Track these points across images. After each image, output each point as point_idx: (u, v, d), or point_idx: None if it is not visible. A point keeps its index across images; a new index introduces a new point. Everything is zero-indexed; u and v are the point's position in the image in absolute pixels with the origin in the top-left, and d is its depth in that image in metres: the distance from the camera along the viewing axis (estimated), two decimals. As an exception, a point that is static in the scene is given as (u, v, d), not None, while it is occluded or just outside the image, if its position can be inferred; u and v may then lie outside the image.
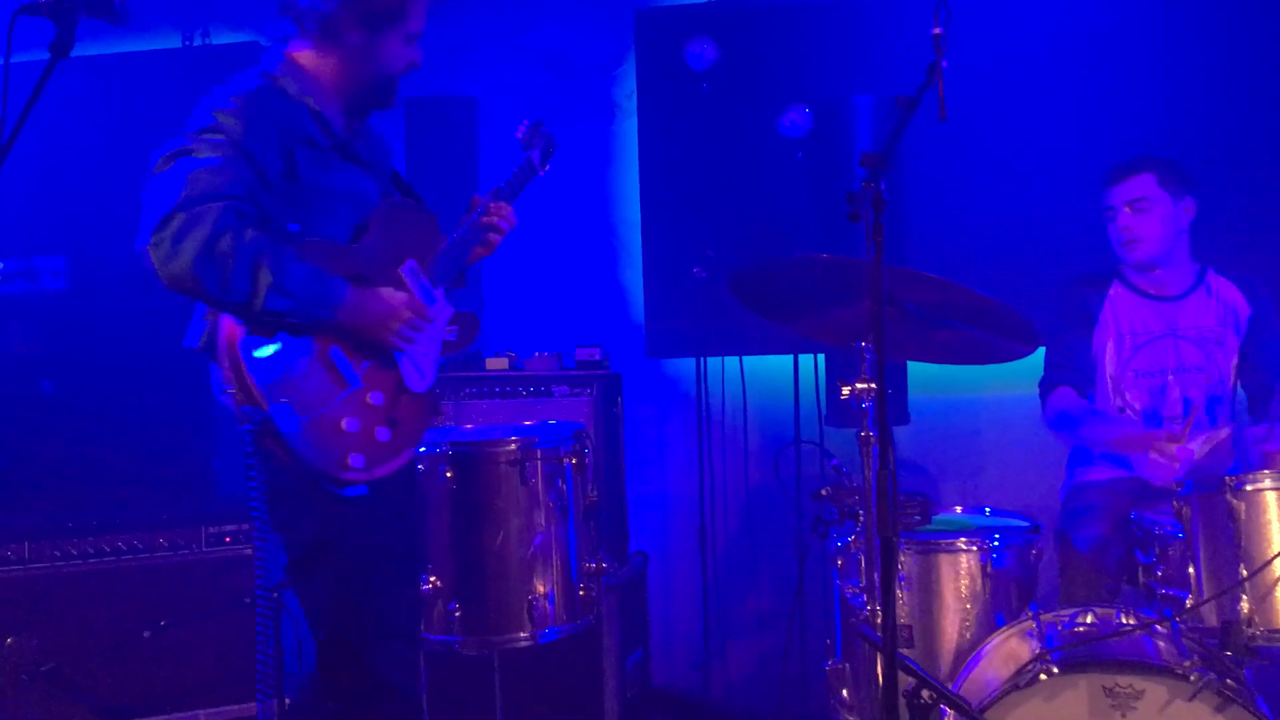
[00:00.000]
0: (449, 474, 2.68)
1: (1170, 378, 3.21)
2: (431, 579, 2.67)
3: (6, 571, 3.35)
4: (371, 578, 2.24)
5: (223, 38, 4.68)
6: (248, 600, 3.42)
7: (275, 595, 2.97)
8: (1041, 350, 2.89)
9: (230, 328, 2.07)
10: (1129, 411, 3.23)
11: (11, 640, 3.31)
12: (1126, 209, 3.21)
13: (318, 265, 2.13)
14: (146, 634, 3.33)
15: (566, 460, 2.77)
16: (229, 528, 3.52)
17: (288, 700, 3.16)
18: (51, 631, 3.31)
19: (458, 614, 2.66)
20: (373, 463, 2.15)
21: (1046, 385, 3.31)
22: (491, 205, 2.48)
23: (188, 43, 4.66)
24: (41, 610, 3.33)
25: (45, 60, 2.02)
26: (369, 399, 2.18)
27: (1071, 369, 3.27)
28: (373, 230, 2.27)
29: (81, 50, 2.15)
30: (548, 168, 2.67)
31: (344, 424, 2.13)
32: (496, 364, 3.76)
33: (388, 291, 2.22)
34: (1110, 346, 3.26)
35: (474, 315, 2.41)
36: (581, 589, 2.77)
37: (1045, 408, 3.31)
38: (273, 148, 2.14)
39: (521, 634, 2.68)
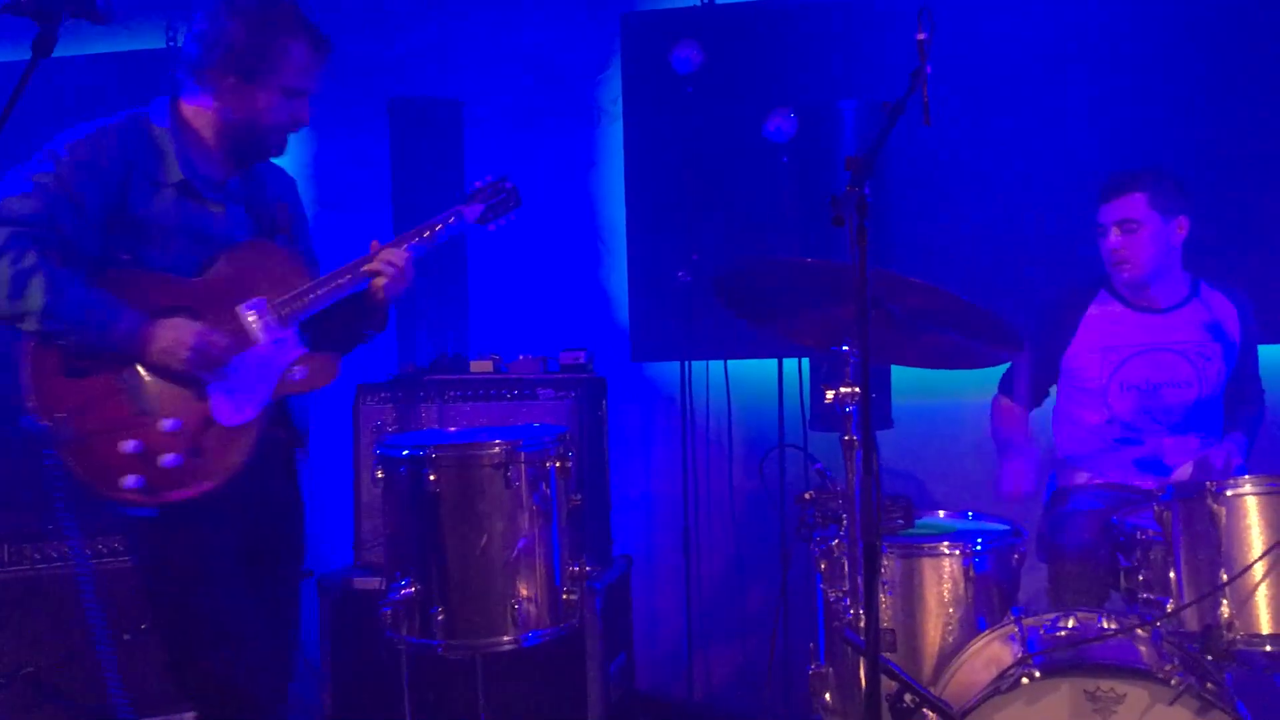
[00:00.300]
0: (432, 477, 2.66)
1: (1158, 389, 3.22)
2: (414, 583, 2.66)
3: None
4: (194, 587, 2.33)
5: (207, 38, 4.66)
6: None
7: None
8: None
9: (28, 340, 2.24)
10: (1115, 424, 3.24)
11: (-10, 644, 3.29)
12: (1115, 229, 3.20)
13: (111, 293, 2.24)
14: (127, 636, 3.30)
15: (550, 463, 2.76)
16: (211, 530, 3.49)
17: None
18: (31, 635, 3.29)
19: (440, 617, 2.64)
20: (157, 486, 2.24)
21: (1001, 388, 3.44)
22: (381, 251, 2.49)
23: (171, 43, 4.64)
24: (21, 613, 3.30)
25: (27, 60, 2.02)
26: (162, 425, 2.27)
27: (1020, 382, 3.36)
28: (219, 267, 2.36)
29: (64, 50, 2.15)
30: (493, 227, 2.66)
31: (124, 445, 2.24)
32: (481, 366, 3.75)
33: (178, 323, 2.27)
34: (1096, 358, 3.27)
35: (333, 359, 2.41)
36: (565, 592, 2.76)
37: (992, 407, 3.44)
38: (98, 183, 2.27)
39: (505, 637, 2.67)
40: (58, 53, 2.07)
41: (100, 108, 2.49)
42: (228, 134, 2.39)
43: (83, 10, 2.09)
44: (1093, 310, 3.31)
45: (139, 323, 2.25)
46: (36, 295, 2.18)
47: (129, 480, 2.24)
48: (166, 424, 2.28)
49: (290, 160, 4.76)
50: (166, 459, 2.26)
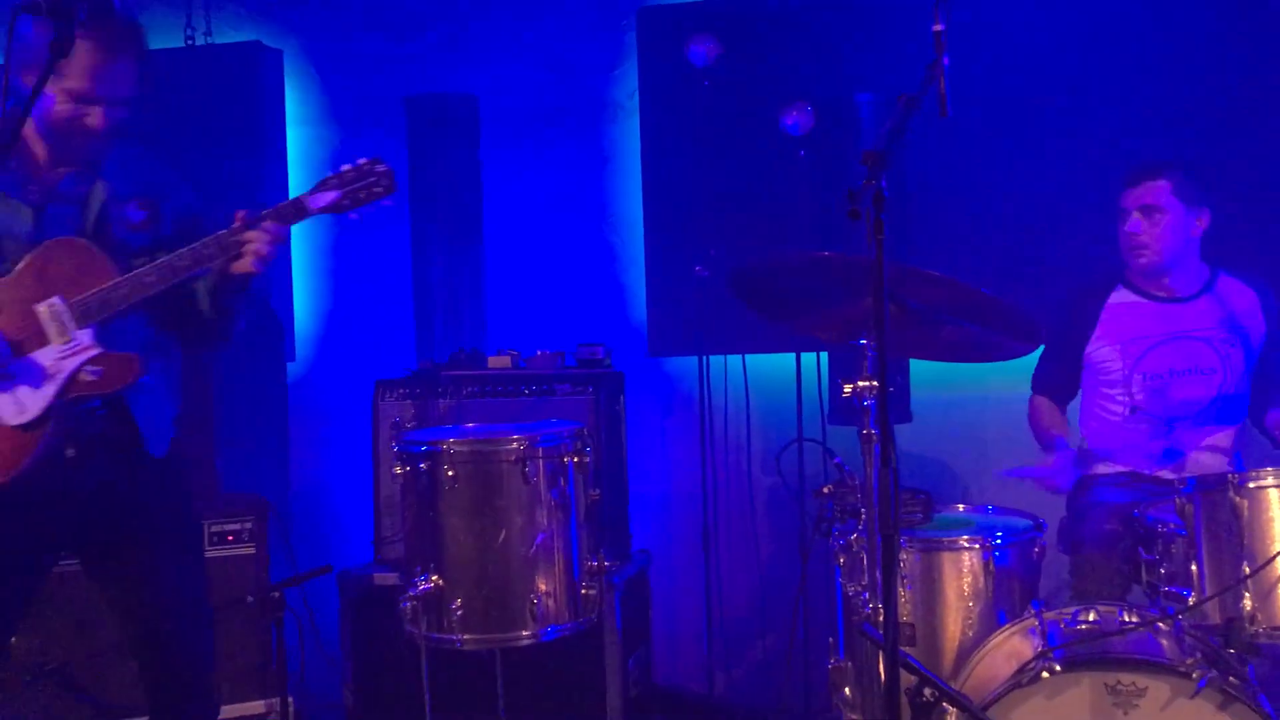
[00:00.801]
0: (450, 472, 2.68)
1: (1180, 378, 3.20)
2: (433, 577, 2.67)
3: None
4: None
5: (225, 36, 4.69)
6: (250, 599, 3.42)
7: (279, 595, 2.99)
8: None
9: None
10: (1140, 412, 3.22)
11: (15, 639, 3.31)
12: (1137, 214, 3.19)
13: None
14: None
15: (569, 459, 2.77)
16: (231, 526, 3.51)
17: (291, 699, 3.16)
18: (54, 631, 3.30)
19: (459, 612, 2.65)
20: None
21: (1033, 387, 3.44)
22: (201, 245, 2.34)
23: (189, 41, 4.66)
24: (44, 609, 3.32)
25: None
26: None
27: (1051, 377, 3.37)
28: (26, 265, 2.31)
29: (82, 49, 2.16)
30: (354, 215, 2.44)
31: None
32: (498, 362, 3.76)
33: None
34: (1117, 350, 3.25)
35: (131, 358, 2.32)
36: (584, 587, 2.76)
37: (1029, 407, 3.43)
38: None
39: (524, 632, 2.68)
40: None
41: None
42: (42, 135, 2.34)
43: (99, 11, 2.10)
44: (1111, 302, 3.29)
45: None
46: None
47: None
48: None
49: (308, 157, 4.83)
50: None
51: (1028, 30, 4.01)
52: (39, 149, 2.36)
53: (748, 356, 4.21)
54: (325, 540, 4.22)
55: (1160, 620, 2.42)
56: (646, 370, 4.42)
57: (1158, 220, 3.16)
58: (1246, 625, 2.34)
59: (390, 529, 3.60)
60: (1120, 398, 3.25)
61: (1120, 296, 3.30)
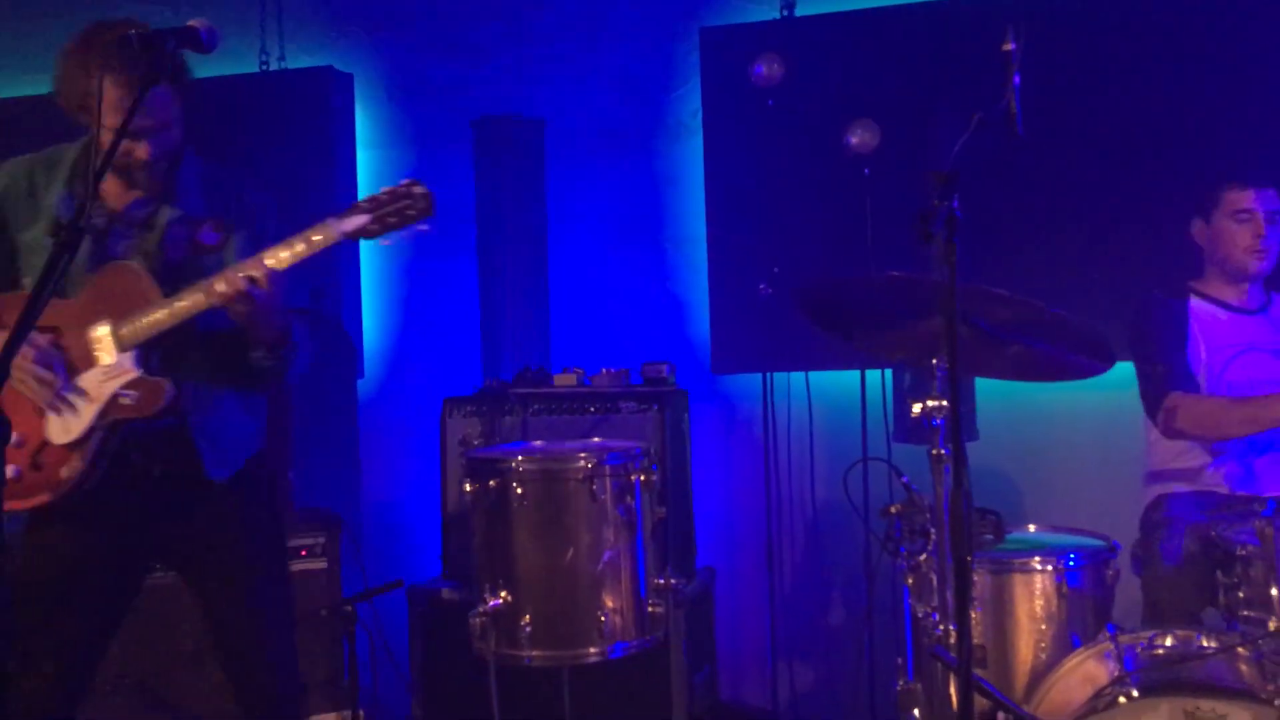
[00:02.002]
0: (519, 490, 2.71)
1: (1258, 389, 3.12)
2: (502, 594, 2.70)
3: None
4: (20, 605, 2.33)
5: (298, 61, 4.81)
6: (323, 612, 3.48)
7: (351, 609, 3.04)
8: (1119, 366, 2.80)
9: None
10: None
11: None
12: (1263, 218, 3.13)
13: None
14: None
15: (635, 477, 2.79)
16: (304, 541, 3.57)
17: (362, 713, 3.21)
18: (133, 641, 3.35)
19: (528, 628, 2.68)
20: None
21: (1153, 399, 3.11)
22: (224, 273, 2.30)
23: (264, 66, 4.79)
24: (127, 620, 3.41)
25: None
26: (14, 438, 2.28)
27: (1178, 374, 3.10)
28: (89, 288, 2.39)
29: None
30: (386, 241, 2.45)
31: None
32: (564, 380, 3.79)
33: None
34: (1202, 360, 3.17)
35: (159, 385, 2.35)
36: (650, 605, 2.78)
37: (1161, 421, 3.09)
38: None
39: (591, 649, 2.70)
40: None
41: (200, 131, 2.57)
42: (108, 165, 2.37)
43: (187, 41, 2.17)
44: (1194, 308, 3.22)
45: None
46: None
47: None
48: (16, 437, 2.32)
49: (379, 178, 4.92)
50: (8, 470, 2.26)
51: (1095, 36, 3.97)
52: (109, 180, 2.42)
53: (811, 374, 4.20)
54: (395, 555, 4.28)
55: (1240, 645, 2.37)
56: (710, 388, 4.43)
57: (1278, 224, 3.14)
58: (1330, 651, 2.28)
59: (459, 545, 3.64)
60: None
61: (1198, 304, 3.24)
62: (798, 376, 4.22)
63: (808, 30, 4.26)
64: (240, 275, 2.27)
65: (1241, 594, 2.57)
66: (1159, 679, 2.28)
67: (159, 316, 2.33)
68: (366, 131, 4.81)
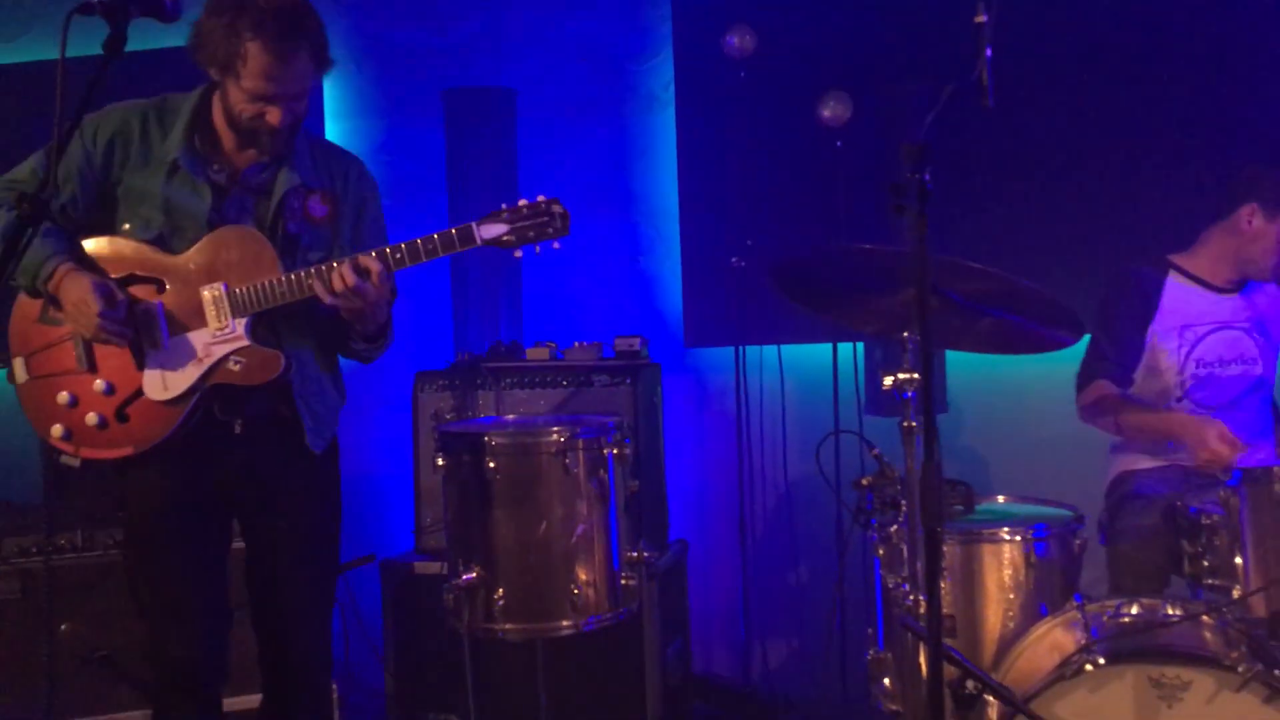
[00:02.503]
0: (491, 464, 2.70)
1: (1229, 369, 3.18)
2: (475, 568, 2.70)
3: (61, 559, 3.42)
4: (136, 548, 2.49)
5: (264, 31, 4.73)
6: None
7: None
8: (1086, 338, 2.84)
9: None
10: (1188, 401, 3.19)
11: (66, 626, 3.38)
12: None
13: (59, 242, 2.34)
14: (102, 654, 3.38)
15: (608, 450, 2.78)
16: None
17: (335, 686, 3.20)
18: (104, 617, 3.37)
19: (501, 602, 2.68)
20: (79, 441, 2.39)
21: (1085, 377, 3.25)
22: (342, 264, 2.33)
23: (229, 36, 4.70)
24: (95, 596, 3.39)
25: (98, 56, 2.07)
26: (96, 384, 2.39)
27: (1113, 362, 3.22)
28: (201, 247, 2.40)
29: (131, 46, 2.19)
30: (519, 253, 2.42)
31: (60, 395, 2.40)
32: (537, 354, 3.78)
33: (87, 280, 2.31)
34: (1174, 336, 3.20)
35: (274, 355, 2.37)
36: (624, 578, 2.79)
37: (1080, 399, 3.26)
38: (88, 152, 2.40)
39: (564, 622, 2.70)
40: (129, 48, 2.12)
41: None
42: (229, 126, 2.41)
43: (151, 9, 2.12)
44: (1169, 287, 3.25)
45: (57, 266, 2.32)
46: None
47: (57, 428, 2.40)
48: (99, 384, 2.39)
49: (348, 149, 4.83)
50: (89, 416, 2.38)
51: (1070, 7, 3.97)
52: (226, 137, 2.43)
53: (783, 347, 4.21)
54: (368, 530, 4.27)
55: (1205, 613, 2.41)
56: (683, 361, 4.44)
57: None
58: (1292, 618, 2.32)
59: (431, 519, 3.64)
60: (1171, 385, 3.22)
61: (1176, 279, 3.26)
62: (770, 350, 4.23)
63: (780, 2, 4.23)
64: (359, 269, 2.31)
65: (1206, 562, 2.60)
66: (1125, 647, 2.31)
67: (281, 290, 2.36)
68: (335, 102, 4.75)
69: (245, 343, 2.38)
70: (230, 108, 2.36)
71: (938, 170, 1.95)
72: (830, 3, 4.19)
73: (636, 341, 3.76)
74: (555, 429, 2.76)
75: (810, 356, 4.19)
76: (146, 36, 2.45)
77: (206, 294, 2.37)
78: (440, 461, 2.81)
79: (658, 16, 4.45)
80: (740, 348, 4.15)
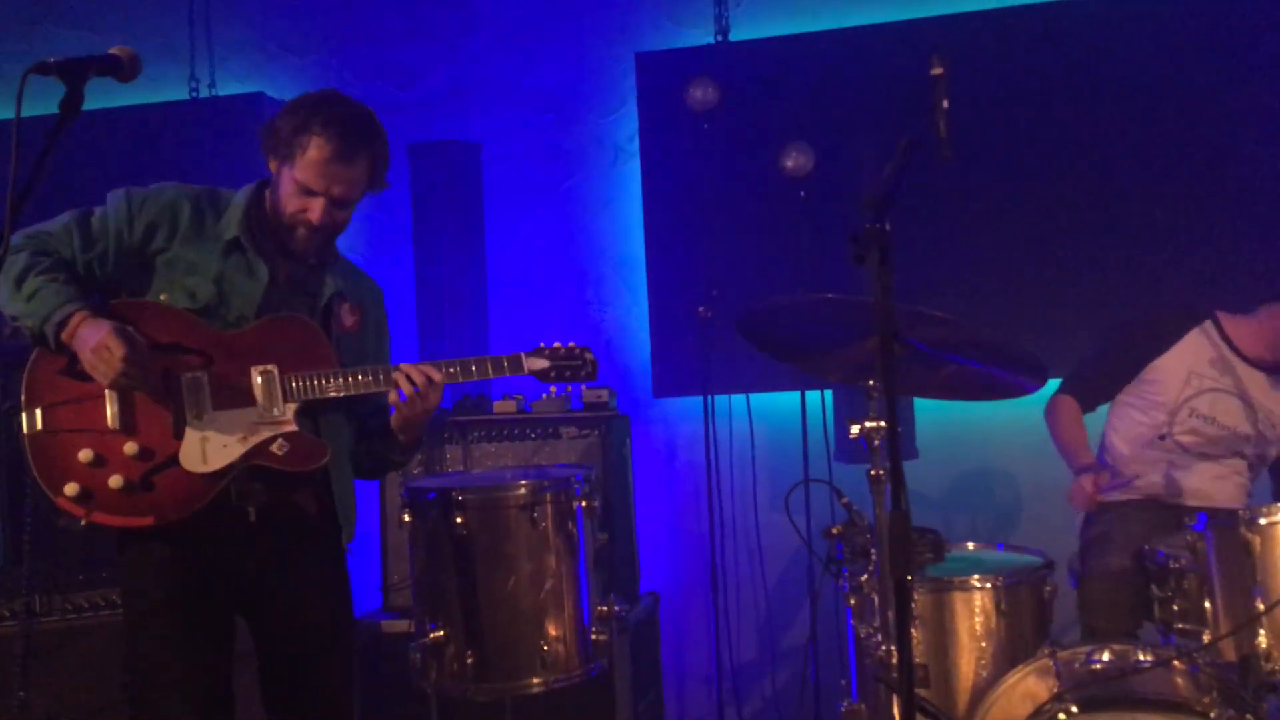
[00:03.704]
0: (459, 519, 2.67)
1: (1218, 429, 3.17)
2: (443, 626, 2.66)
3: (15, 626, 3.34)
4: (139, 627, 2.35)
5: (229, 88, 4.74)
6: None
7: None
8: (1054, 383, 2.84)
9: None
10: (1169, 440, 3.20)
11: (23, 695, 3.29)
12: None
13: (78, 292, 2.27)
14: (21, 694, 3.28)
15: (577, 503, 2.76)
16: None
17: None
18: (68, 682, 3.26)
19: (469, 660, 2.64)
20: (93, 503, 2.27)
21: (1065, 385, 3.31)
22: (407, 366, 2.41)
23: (193, 94, 4.71)
24: (55, 663, 3.31)
25: (55, 115, 2.05)
26: (129, 447, 2.28)
27: (1089, 389, 3.27)
28: (254, 328, 2.37)
29: (89, 104, 2.19)
30: (554, 388, 2.68)
31: (82, 452, 2.27)
32: (504, 407, 3.76)
33: (106, 324, 2.23)
34: (1179, 376, 3.19)
35: (322, 445, 2.37)
36: (594, 633, 2.75)
37: (1051, 400, 3.29)
38: (133, 222, 2.34)
39: (534, 679, 2.67)
40: (87, 107, 2.11)
41: (129, 160, 2.52)
42: (271, 218, 2.41)
43: (107, 68, 2.12)
44: (1193, 335, 3.22)
45: (74, 312, 2.24)
46: (9, 281, 2.24)
47: (72, 487, 2.26)
48: (132, 446, 2.29)
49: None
50: (114, 479, 2.27)
51: (1029, 57, 4.04)
52: (276, 232, 2.41)
53: (751, 396, 4.21)
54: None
55: (1175, 658, 2.40)
56: (651, 411, 4.42)
57: None
58: (1262, 662, 2.33)
59: (398, 576, 3.59)
60: (1158, 420, 3.22)
61: (1206, 333, 3.23)
62: (739, 398, 4.23)
63: (742, 55, 4.29)
64: (424, 373, 2.39)
65: (1176, 607, 2.61)
66: (1098, 694, 2.30)
67: (337, 382, 2.36)
68: (300, 157, 4.75)
69: (292, 427, 2.34)
70: (278, 200, 2.37)
71: (899, 219, 1.96)
72: (792, 56, 4.24)
73: (604, 393, 3.75)
74: (522, 483, 2.74)
75: (779, 404, 4.19)
76: (111, 94, 2.46)
77: (258, 375, 2.34)
78: (407, 518, 2.78)
79: (621, 70, 4.49)
80: (709, 397, 4.15)
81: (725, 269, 4.12)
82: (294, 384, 2.34)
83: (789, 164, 3.91)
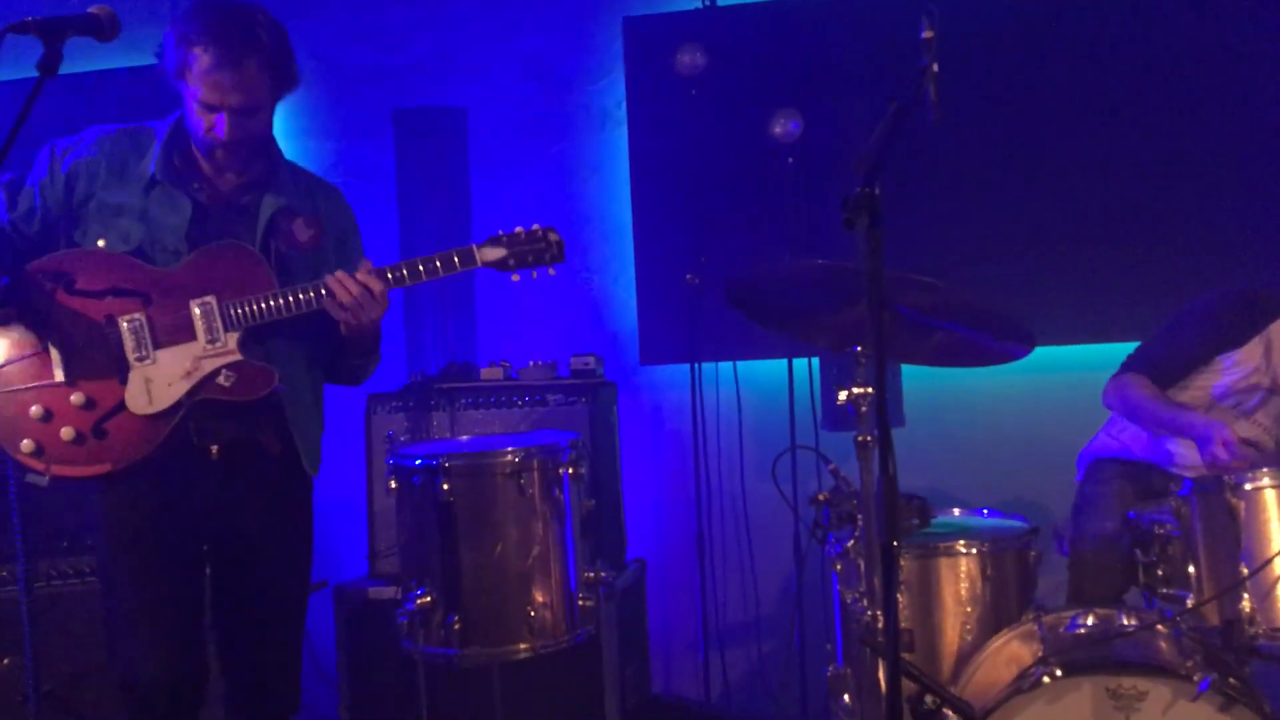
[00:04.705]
0: (445, 486, 2.66)
1: (1247, 420, 3.05)
2: (430, 592, 2.66)
3: (3, 591, 3.33)
4: (109, 568, 2.37)
5: (211, 51, 4.67)
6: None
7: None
8: (1041, 350, 2.79)
9: None
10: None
11: (8, 660, 3.29)
12: None
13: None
14: (6, 661, 3.30)
15: (563, 470, 2.76)
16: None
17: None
18: (49, 651, 3.27)
19: (456, 626, 2.64)
20: (50, 457, 2.29)
21: (1131, 363, 3.12)
22: (334, 278, 2.34)
23: (175, 56, 4.64)
24: (38, 630, 3.30)
25: (34, 78, 2.02)
26: (74, 398, 2.30)
27: (1161, 370, 3.07)
28: (189, 262, 2.35)
29: (69, 68, 2.15)
30: (517, 277, 2.53)
31: (33, 409, 2.29)
32: (491, 374, 3.75)
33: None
34: (1239, 371, 3.03)
35: (268, 370, 2.34)
36: (581, 599, 2.75)
37: (1111, 383, 3.11)
38: (69, 167, 2.36)
39: (521, 645, 2.67)
40: (65, 69, 2.08)
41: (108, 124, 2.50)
42: (195, 144, 2.39)
43: (87, 28, 2.09)
44: (1275, 329, 3.00)
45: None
46: None
47: (27, 443, 2.29)
48: (77, 397, 2.30)
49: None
50: (65, 431, 2.28)
51: (1025, 20, 4.00)
52: (199, 157, 2.39)
53: (739, 363, 4.21)
54: (320, 555, 4.18)
55: (1159, 622, 2.42)
56: (638, 378, 4.42)
57: None
58: (1246, 627, 2.34)
59: (385, 543, 3.58)
60: (1198, 403, 3.07)
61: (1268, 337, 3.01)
62: (726, 366, 4.23)
63: (730, 20, 4.25)
64: (360, 282, 2.32)
65: (1160, 572, 2.63)
66: (1081, 659, 2.32)
67: (275, 304, 2.32)
68: (284, 123, 4.68)
69: (237, 357, 2.33)
70: (189, 124, 2.33)
71: (888, 184, 1.95)
72: (780, 20, 4.21)
73: (591, 360, 3.74)
74: (509, 449, 2.73)
75: (766, 372, 4.19)
76: (94, 57, 2.43)
77: (196, 308, 2.32)
78: (393, 484, 2.78)
79: (608, 35, 4.44)
80: (696, 364, 4.15)
81: (713, 236, 4.10)
82: (234, 312, 2.32)
83: (778, 130, 3.89)
